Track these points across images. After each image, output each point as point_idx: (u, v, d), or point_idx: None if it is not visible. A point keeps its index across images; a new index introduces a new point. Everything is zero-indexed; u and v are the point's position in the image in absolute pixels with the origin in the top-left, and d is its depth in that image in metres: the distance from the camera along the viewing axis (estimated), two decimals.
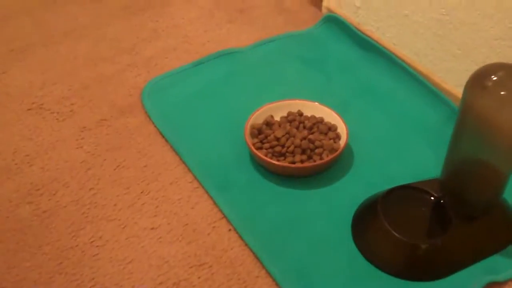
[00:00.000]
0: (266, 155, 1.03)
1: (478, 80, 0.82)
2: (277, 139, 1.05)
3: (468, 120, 0.86)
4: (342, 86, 1.25)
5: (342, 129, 1.08)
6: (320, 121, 1.10)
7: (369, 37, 1.31)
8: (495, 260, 0.91)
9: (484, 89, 0.82)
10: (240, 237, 0.94)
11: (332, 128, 1.09)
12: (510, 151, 0.87)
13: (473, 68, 1.03)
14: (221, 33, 1.44)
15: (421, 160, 1.08)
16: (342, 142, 1.06)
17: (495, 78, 0.81)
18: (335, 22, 1.38)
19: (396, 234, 0.89)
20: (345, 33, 1.36)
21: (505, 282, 0.88)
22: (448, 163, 0.94)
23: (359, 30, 1.33)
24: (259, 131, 1.08)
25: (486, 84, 0.82)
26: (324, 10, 1.44)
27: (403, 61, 1.24)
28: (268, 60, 1.32)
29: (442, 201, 0.94)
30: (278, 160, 1.03)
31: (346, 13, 1.37)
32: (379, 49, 1.28)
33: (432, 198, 0.95)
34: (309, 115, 1.11)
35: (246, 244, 0.93)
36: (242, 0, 1.57)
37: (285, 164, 1.01)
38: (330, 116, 1.10)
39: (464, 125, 0.88)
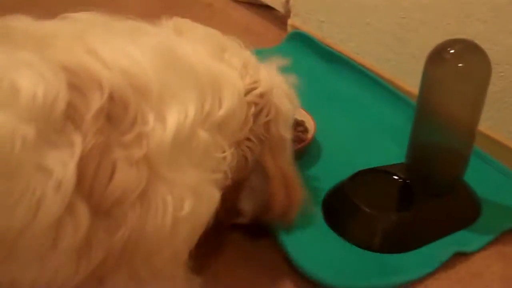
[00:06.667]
0: None
1: (438, 54, 0.88)
2: None
3: (428, 95, 0.91)
4: (308, 94, 1.27)
5: (310, 124, 1.11)
6: None
7: (333, 49, 1.37)
8: (462, 235, 0.93)
9: (443, 61, 0.87)
10: None
11: (300, 123, 1.12)
12: (468, 130, 0.92)
13: None
14: None
15: (386, 154, 1.10)
16: (310, 135, 1.09)
17: (452, 51, 0.86)
18: (300, 38, 1.44)
19: (365, 208, 0.91)
20: (310, 47, 1.41)
21: (472, 253, 0.91)
22: (412, 146, 0.97)
23: (323, 43, 1.39)
24: None
25: (444, 56, 0.87)
26: (289, 28, 1.50)
27: (366, 68, 1.30)
28: None
29: (407, 181, 0.97)
30: None
31: (311, 28, 1.43)
32: (342, 60, 1.34)
33: (399, 179, 0.98)
34: None
35: None
36: (210, 23, 1.62)
37: None
38: (298, 113, 1.14)
39: (425, 103, 0.92)
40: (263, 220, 0.89)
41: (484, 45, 0.86)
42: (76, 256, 0.57)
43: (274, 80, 0.85)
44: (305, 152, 1.09)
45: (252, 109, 0.78)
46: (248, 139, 0.79)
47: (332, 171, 1.05)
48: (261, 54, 1.43)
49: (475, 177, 0.99)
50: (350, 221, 0.94)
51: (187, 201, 0.62)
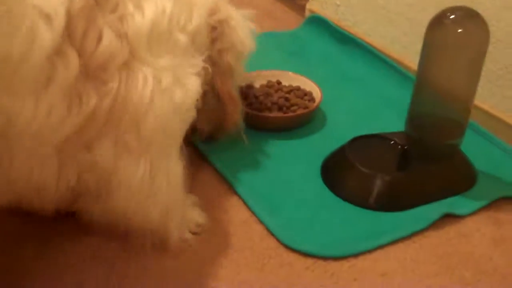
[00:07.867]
0: None
1: (438, 19, 0.91)
2: (256, 97, 1.12)
3: (427, 63, 0.94)
4: (321, 71, 1.33)
5: (316, 95, 1.15)
6: (297, 88, 1.17)
7: (347, 31, 1.41)
8: (455, 199, 0.96)
9: (442, 26, 0.90)
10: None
11: (307, 94, 1.16)
12: (464, 98, 0.95)
13: None
14: None
15: (388, 125, 1.12)
16: (316, 104, 1.13)
17: (452, 17, 0.90)
18: (317, 21, 1.48)
19: (361, 168, 0.95)
20: (326, 30, 1.45)
21: (463, 217, 0.93)
22: (410, 115, 1.00)
23: (338, 26, 1.43)
24: (240, 91, 1.14)
25: (444, 22, 0.90)
26: (307, 13, 1.54)
27: (377, 49, 1.33)
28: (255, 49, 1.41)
29: (405, 147, 1.00)
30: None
31: (327, 12, 1.48)
32: (355, 41, 1.38)
33: (397, 144, 1.00)
34: (287, 84, 1.19)
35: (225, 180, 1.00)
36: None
37: (262, 114, 1.08)
38: (306, 84, 1.18)
39: (424, 71, 0.95)
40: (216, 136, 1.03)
41: (488, 22, 0.89)
42: (67, 102, 0.64)
43: (231, 12, 0.94)
44: (310, 118, 1.13)
45: (211, 34, 0.89)
46: (204, 61, 0.86)
47: (334, 138, 1.08)
48: (281, 36, 1.49)
49: (474, 151, 1.03)
50: (347, 181, 0.98)
51: (165, 79, 0.72)
